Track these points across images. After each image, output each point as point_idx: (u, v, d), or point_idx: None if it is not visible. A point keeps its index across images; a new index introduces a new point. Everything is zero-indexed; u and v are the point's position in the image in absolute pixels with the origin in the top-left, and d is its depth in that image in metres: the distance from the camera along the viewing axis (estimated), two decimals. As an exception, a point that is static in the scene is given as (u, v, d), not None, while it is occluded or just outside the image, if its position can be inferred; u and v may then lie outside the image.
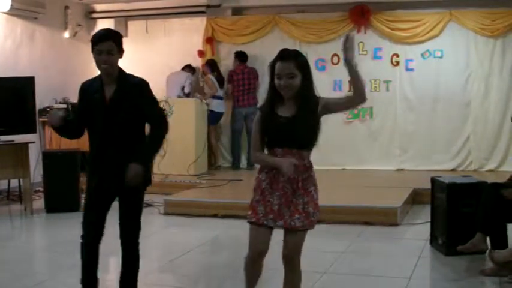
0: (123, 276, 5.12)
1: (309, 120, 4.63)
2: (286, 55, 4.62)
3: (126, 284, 5.12)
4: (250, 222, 4.82)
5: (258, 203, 4.73)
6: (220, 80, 12.60)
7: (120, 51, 4.94)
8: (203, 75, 12.63)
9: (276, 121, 4.58)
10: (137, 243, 5.07)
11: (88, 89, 5.04)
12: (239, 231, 8.55)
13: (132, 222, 5.01)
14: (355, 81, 4.37)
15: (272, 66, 4.62)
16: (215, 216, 9.21)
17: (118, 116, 4.83)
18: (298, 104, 4.57)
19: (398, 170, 12.22)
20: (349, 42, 4.29)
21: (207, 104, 12.26)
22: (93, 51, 4.95)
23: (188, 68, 12.88)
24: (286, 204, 4.67)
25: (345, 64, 4.34)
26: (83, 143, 11.03)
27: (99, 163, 4.96)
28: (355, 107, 4.77)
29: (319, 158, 12.53)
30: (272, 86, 4.60)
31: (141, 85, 4.92)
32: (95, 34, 5.00)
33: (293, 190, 4.67)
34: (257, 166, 12.59)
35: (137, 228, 5.05)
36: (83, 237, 5.10)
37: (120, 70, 4.97)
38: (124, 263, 5.10)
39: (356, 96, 4.48)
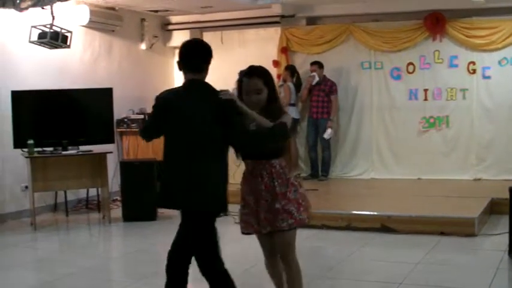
0: None
1: None
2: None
3: None
4: None
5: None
6: (298, 85, 12.64)
7: None
8: (284, 82, 12.59)
9: None
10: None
11: None
12: (314, 240, 8.56)
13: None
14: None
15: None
16: (290, 225, 9.21)
17: None
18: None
19: (475, 179, 12.00)
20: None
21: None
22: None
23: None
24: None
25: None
26: (158, 152, 11.27)
27: None
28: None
29: (395, 167, 12.51)
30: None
31: None
32: None
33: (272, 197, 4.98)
34: (332, 175, 12.47)
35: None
36: None
37: None
38: None
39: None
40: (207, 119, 4.57)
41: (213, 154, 4.61)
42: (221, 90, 4.67)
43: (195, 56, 4.78)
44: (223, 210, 4.78)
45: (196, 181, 4.59)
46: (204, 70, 4.79)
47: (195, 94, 4.69)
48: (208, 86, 4.73)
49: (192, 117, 4.59)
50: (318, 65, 12.43)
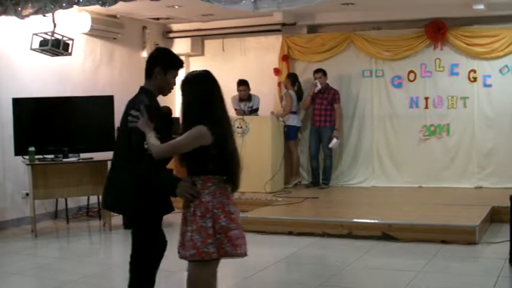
0: None
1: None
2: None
3: None
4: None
5: None
6: (300, 94, 12.66)
7: None
8: (286, 89, 12.60)
9: None
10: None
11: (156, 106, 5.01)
12: (315, 248, 8.56)
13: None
14: None
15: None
16: (291, 233, 9.21)
17: None
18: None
19: (476, 187, 11.99)
20: None
21: (283, 121, 12.26)
22: (169, 71, 4.95)
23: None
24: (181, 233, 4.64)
25: None
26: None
27: None
28: None
29: (396, 175, 12.50)
30: None
31: None
32: (178, 57, 5.02)
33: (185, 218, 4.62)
34: (333, 183, 12.48)
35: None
36: None
37: None
38: None
39: None
40: (122, 127, 4.85)
41: (122, 160, 4.78)
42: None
43: (146, 63, 5.06)
44: (130, 213, 4.94)
45: (108, 183, 4.94)
46: (152, 77, 4.97)
47: (130, 102, 4.94)
48: (142, 95, 4.91)
49: (120, 124, 4.91)
50: (322, 72, 12.41)
